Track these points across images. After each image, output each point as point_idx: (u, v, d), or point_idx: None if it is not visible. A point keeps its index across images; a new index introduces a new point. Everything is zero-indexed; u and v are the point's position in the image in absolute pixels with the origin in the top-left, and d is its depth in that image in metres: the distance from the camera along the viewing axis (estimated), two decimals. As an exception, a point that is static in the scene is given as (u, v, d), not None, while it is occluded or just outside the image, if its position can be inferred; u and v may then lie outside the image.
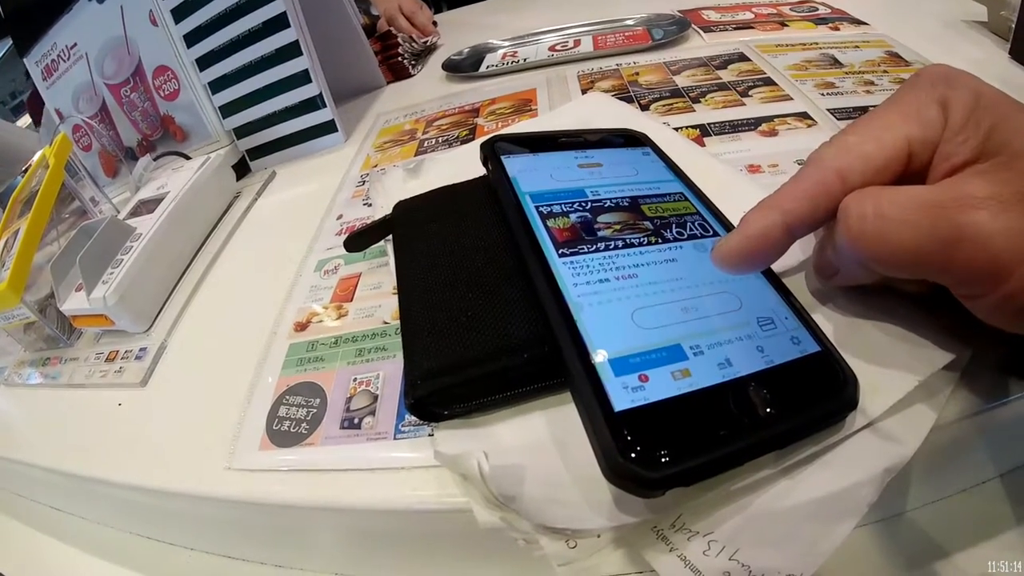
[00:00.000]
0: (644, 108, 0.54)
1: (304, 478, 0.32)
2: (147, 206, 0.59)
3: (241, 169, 0.68)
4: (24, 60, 0.73)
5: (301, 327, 0.42)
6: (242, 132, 0.68)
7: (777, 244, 0.25)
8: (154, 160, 0.64)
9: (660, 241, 0.31)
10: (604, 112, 0.52)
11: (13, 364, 0.61)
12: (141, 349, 0.50)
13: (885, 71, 0.53)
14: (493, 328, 0.29)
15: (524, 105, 0.61)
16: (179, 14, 0.63)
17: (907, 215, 0.21)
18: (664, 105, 0.54)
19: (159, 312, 0.53)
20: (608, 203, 0.34)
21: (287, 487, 0.33)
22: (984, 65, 0.52)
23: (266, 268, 0.52)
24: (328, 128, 0.66)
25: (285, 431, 0.35)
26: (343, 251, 0.46)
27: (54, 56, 0.71)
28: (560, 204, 0.33)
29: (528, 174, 0.36)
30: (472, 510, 0.26)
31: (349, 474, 0.31)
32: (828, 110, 0.48)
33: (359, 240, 0.43)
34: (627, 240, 0.31)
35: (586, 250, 0.30)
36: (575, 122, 0.52)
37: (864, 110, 0.47)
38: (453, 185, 0.41)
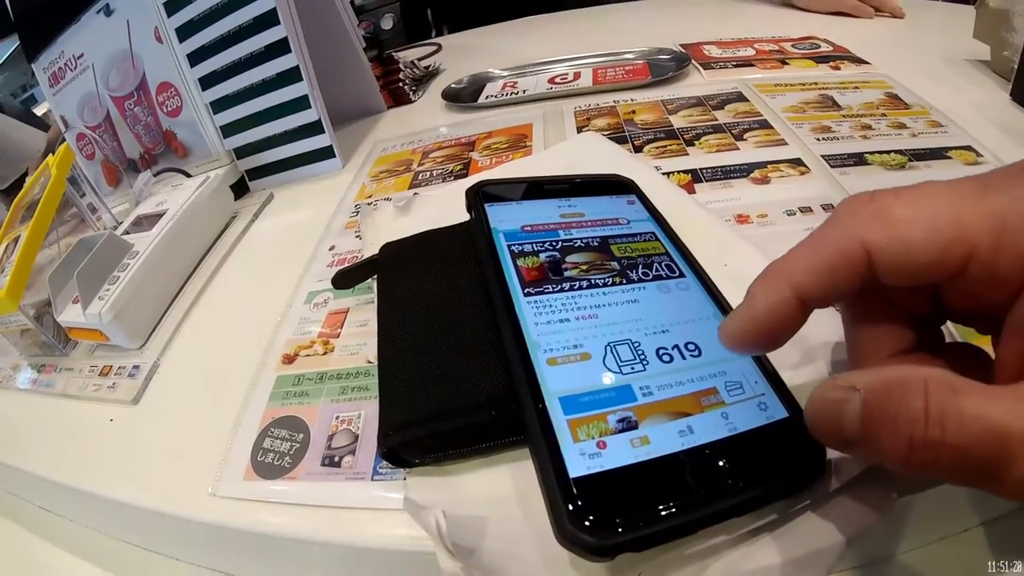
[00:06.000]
0: (638, 149, 0.56)
1: (284, 511, 0.35)
2: (146, 222, 0.61)
3: (240, 189, 0.70)
4: (32, 66, 0.75)
5: (289, 359, 0.44)
6: (242, 152, 0.70)
7: (789, 323, 0.22)
8: (154, 176, 0.67)
9: (624, 281, 0.32)
10: (597, 154, 0.54)
11: (9, 366, 0.64)
12: (134, 366, 0.53)
13: (883, 114, 0.54)
14: (464, 383, 0.31)
15: (519, 141, 0.63)
16: (184, 33, 0.66)
17: (964, 437, 0.17)
18: (658, 147, 0.55)
19: (153, 330, 0.56)
20: (578, 243, 0.35)
21: (268, 517, 0.35)
22: (985, 108, 0.54)
23: (259, 294, 0.54)
24: (326, 153, 0.69)
25: (269, 463, 0.37)
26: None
27: (61, 64, 0.74)
28: (532, 243, 0.35)
29: (508, 221, 0.37)
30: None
31: (327, 511, 0.33)
32: (822, 156, 0.49)
33: (347, 278, 0.45)
34: (591, 280, 0.32)
35: (551, 290, 0.31)
36: (567, 163, 0.54)
37: (860, 157, 0.48)
38: (439, 230, 0.43)
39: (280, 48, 0.63)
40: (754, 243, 0.41)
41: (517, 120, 0.68)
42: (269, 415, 0.40)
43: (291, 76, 0.65)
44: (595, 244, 0.35)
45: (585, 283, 0.32)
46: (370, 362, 0.41)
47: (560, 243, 0.35)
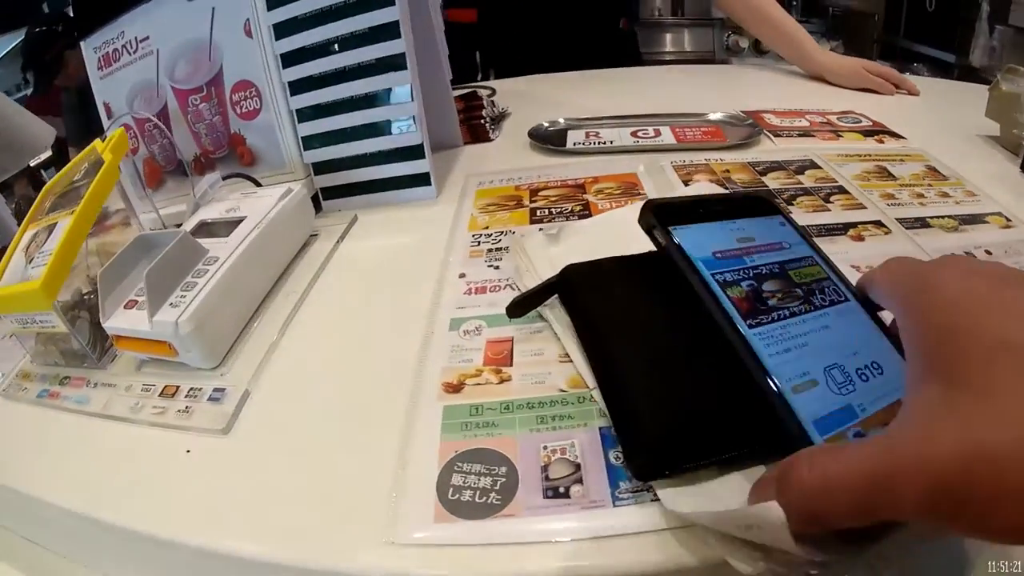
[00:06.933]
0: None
1: (509, 552, 0.31)
2: (218, 228, 0.56)
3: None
4: (81, 43, 0.68)
5: (453, 388, 0.42)
6: (321, 168, 0.67)
7: None
8: (223, 180, 0.61)
9: (811, 309, 0.34)
10: None
11: (15, 374, 0.56)
12: (216, 390, 0.47)
13: (929, 184, 0.62)
14: (710, 395, 0.34)
15: (631, 188, 0.65)
16: (282, 31, 0.62)
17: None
18: None
19: (230, 350, 0.50)
20: (764, 270, 0.37)
21: (486, 563, 0.31)
22: (1002, 179, 0.63)
23: (372, 320, 0.51)
24: (422, 180, 0.66)
25: (468, 501, 0.34)
26: (480, 311, 0.48)
27: (118, 45, 0.67)
28: (730, 272, 0.36)
29: (695, 245, 0.38)
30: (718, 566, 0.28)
31: (566, 545, 0.31)
32: (896, 219, 0.56)
33: (522, 307, 0.45)
34: (790, 309, 0.34)
35: (765, 320, 0.33)
36: None
37: (923, 221, 0.56)
38: (629, 256, 0.44)
39: (395, 64, 0.61)
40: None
41: (616, 169, 0.69)
42: (449, 448, 0.37)
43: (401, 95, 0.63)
44: (777, 271, 0.37)
45: (787, 312, 0.34)
46: (563, 391, 0.40)
47: (751, 271, 0.37)
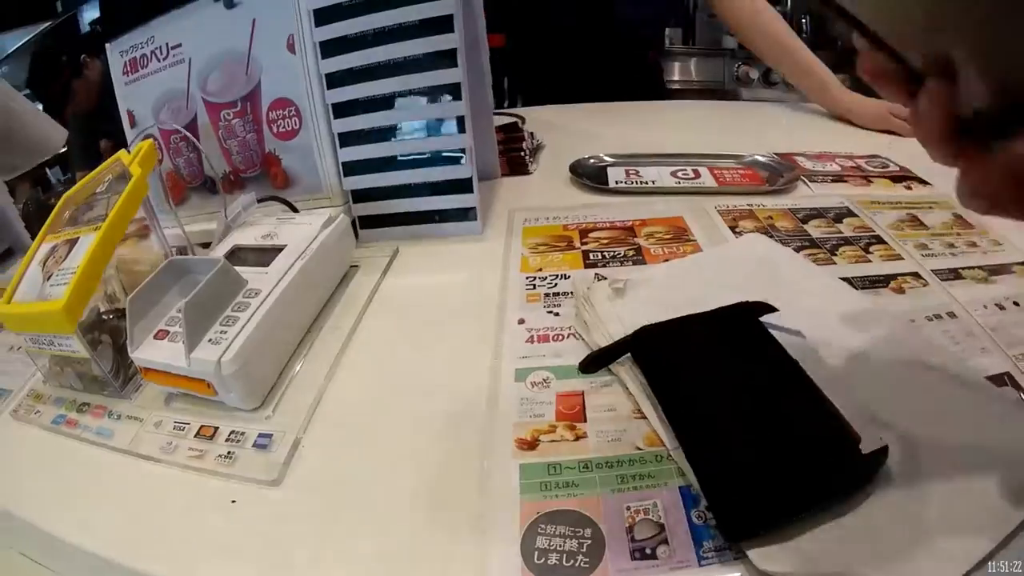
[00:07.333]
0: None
1: None
2: (255, 256, 0.54)
3: (345, 236, 0.64)
4: (106, 45, 0.66)
5: (528, 445, 0.41)
6: (361, 196, 0.65)
7: None
8: (258, 202, 0.59)
9: None
10: (778, 258, 0.58)
11: (26, 393, 0.54)
12: (262, 435, 0.45)
13: (958, 234, 0.63)
14: (791, 451, 0.35)
15: (681, 233, 0.65)
16: (330, 49, 0.60)
17: None
18: (808, 254, 0.60)
19: (271, 390, 0.49)
20: None
21: None
22: (1019, 227, 0.62)
23: (434, 365, 0.50)
24: (467, 215, 0.65)
25: (555, 565, 0.33)
26: (546, 361, 0.48)
27: (147, 51, 0.65)
28: None
29: None
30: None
31: None
32: (932, 271, 0.56)
33: (597, 363, 0.46)
34: None
35: None
36: (755, 264, 0.56)
37: (956, 272, 0.56)
38: (697, 315, 0.46)
39: (451, 91, 0.60)
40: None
41: (662, 212, 0.70)
42: (531, 510, 0.36)
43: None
44: None
45: None
46: (639, 448, 0.40)
47: None
